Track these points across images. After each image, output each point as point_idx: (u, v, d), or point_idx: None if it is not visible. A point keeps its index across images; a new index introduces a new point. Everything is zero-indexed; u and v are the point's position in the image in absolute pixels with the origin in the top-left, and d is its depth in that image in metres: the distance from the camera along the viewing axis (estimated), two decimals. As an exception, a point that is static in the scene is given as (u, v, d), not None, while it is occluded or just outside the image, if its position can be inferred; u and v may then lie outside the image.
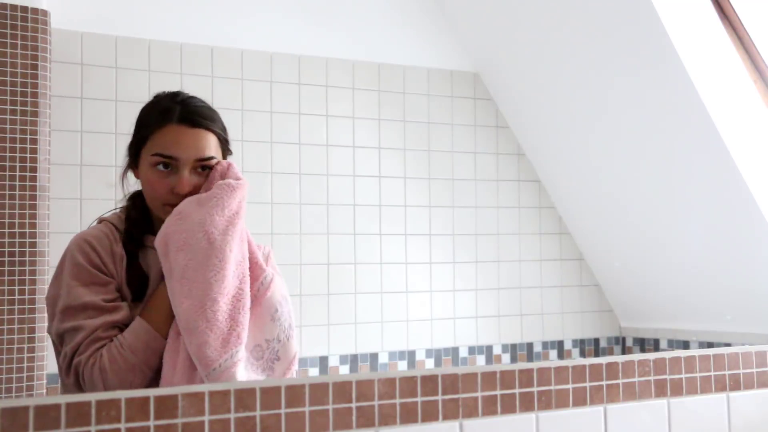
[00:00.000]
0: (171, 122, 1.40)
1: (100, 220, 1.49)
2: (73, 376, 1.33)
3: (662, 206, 2.89)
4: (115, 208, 1.51)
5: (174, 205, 1.40)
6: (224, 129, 1.47)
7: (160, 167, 1.39)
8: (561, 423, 1.02)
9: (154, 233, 1.45)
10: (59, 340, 1.36)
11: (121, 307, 1.35)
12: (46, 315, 2.25)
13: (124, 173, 1.50)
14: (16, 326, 2.23)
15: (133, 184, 1.51)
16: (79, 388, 1.33)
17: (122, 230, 1.44)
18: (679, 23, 2.49)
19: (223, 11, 2.84)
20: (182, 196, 1.39)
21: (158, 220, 1.46)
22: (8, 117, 2.28)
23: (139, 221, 1.46)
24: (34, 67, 2.33)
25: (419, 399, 0.93)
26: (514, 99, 3.23)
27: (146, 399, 0.79)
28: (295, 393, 0.87)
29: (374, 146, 3.04)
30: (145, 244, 1.45)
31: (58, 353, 1.39)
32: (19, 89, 2.30)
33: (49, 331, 1.40)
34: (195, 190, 1.41)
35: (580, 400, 1.03)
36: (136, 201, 1.49)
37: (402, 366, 3.00)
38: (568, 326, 3.34)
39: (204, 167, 1.42)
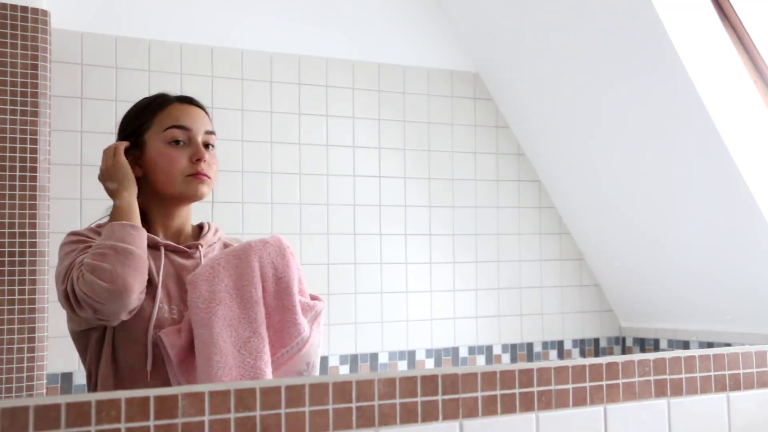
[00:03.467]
0: (172, 102, 1.48)
1: (98, 227, 1.49)
2: (73, 302, 1.31)
3: (662, 206, 2.89)
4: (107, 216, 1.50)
5: (197, 175, 1.43)
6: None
7: (174, 143, 1.44)
8: (561, 423, 1.02)
9: (150, 232, 1.46)
10: (62, 296, 1.35)
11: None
12: (48, 315, 2.26)
13: None
14: (16, 326, 2.23)
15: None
16: (82, 310, 1.30)
17: None
18: (679, 22, 2.49)
19: (223, 11, 2.84)
20: (201, 165, 1.43)
21: (156, 221, 1.48)
22: (8, 117, 2.28)
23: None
24: (34, 67, 2.33)
25: (419, 399, 0.93)
26: (514, 99, 3.23)
27: (146, 399, 0.79)
28: (295, 393, 0.87)
29: (374, 146, 3.04)
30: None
31: (69, 319, 1.41)
32: (19, 89, 2.30)
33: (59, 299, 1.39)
34: (209, 163, 1.46)
35: (580, 400, 1.03)
36: None
37: (402, 366, 3.00)
38: (568, 326, 3.34)
39: (207, 145, 1.48)
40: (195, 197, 1.47)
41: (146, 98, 1.53)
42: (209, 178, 1.46)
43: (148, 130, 1.45)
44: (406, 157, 3.10)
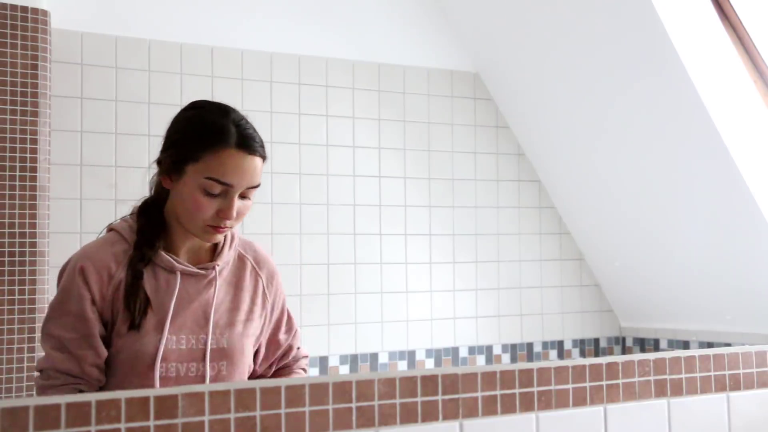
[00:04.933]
0: (229, 146, 1.34)
1: (110, 229, 1.44)
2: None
3: (662, 206, 2.89)
4: (126, 216, 1.45)
5: (216, 228, 1.36)
6: (264, 147, 1.44)
7: (208, 193, 1.35)
8: (561, 423, 1.02)
9: (168, 249, 1.42)
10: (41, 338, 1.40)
11: (81, 356, 1.33)
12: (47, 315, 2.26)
13: (154, 177, 1.46)
14: (16, 326, 2.23)
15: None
16: None
17: (131, 243, 1.39)
18: (679, 23, 2.49)
19: (223, 11, 2.84)
20: (225, 222, 1.36)
21: (177, 234, 1.42)
22: (8, 117, 2.28)
23: (152, 239, 1.40)
24: (34, 67, 2.33)
25: (419, 399, 0.93)
26: (514, 99, 3.23)
27: (146, 399, 0.79)
28: (295, 393, 0.87)
29: (374, 146, 3.04)
30: (156, 263, 1.39)
31: None
32: (19, 89, 2.30)
33: None
34: (237, 215, 1.38)
35: (580, 400, 1.03)
36: (150, 213, 1.43)
37: (402, 366, 3.00)
38: (568, 326, 3.34)
39: (244, 196, 1.39)
40: (206, 242, 1.44)
41: (209, 117, 1.39)
42: (229, 228, 1.40)
43: (192, 163, 1.34)
44: (406, 157, 3.10)
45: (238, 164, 1.34)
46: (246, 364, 1.46)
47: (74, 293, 1.34)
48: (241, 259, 1.51)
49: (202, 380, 1.38)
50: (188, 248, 1.44)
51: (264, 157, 1.40)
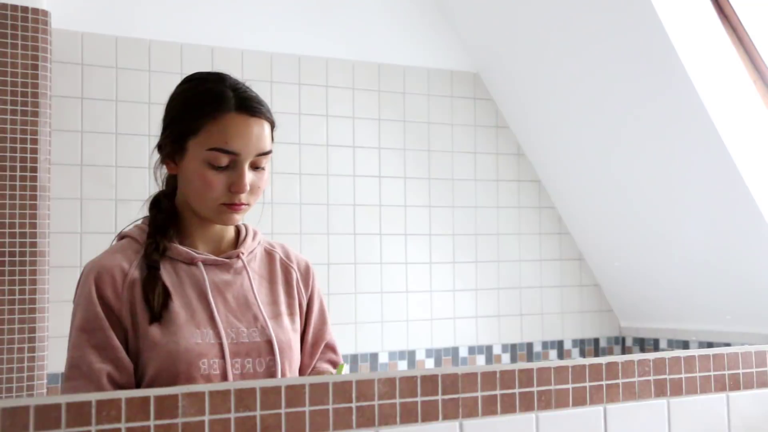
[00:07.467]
0: (229, 110, 1.27)
1: (121, 237, 1.35)
2: None
3: (662, 206, 2.89)
4: (137, 220, 1.38)
5: (231, 205, 1.28)
6: (271, 112, 1.35)
7: (214, 167, 1.26)
8: (561, 423, 1.02)
9: (184, 241, 1.33)
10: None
11: (101, 371, 1.21)
12: (48, 315, 2.27)
13: (158, 166, 1.36)
14: (16, 326, 2.23)
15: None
16: None
17: (144, 243, 1.30)
18: (679, 23, 2.50)
19: (223, 11, 2.84)
20: (239, 197, 1.28)
21: (192, 224, 1.34)
22: (8, 117, 2.28)
23: (165, 228, 1.32)
24: (34, 67, 2.33)
25: (419, 399, 0.93)
26: (514, 99, 3.23)
27: (146, 399, 0.79)
28: (295, 393, 0.87)
29: (374, 146, 3.04)
30: (173, 258, 1.31)
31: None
32: (19, 89, 2.30)
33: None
34: (252, 189, 1.30)
35: (579, 400, 1.03)
36: (161, 204, 1.35)
37: (402, 366, 3.00)
38: (568, 326, 3.34)
39: (257, 166, 1.31)
40: (225, 225, 1.35)
41: (203, 85, 1.31)
42: (247, 205, 1.30)
43: (192, 137, 1.27)
44: (406, 157, 3.10)
45: (240, 129, 1.27)
46: (297, 360, 1.37)
47: (89, 306, 1.24)
48: (269, 253, 1.43)
49: (270, 376, 1.28)
50: (206, 238, 1.35)
51: (271, 122, 1.33)
